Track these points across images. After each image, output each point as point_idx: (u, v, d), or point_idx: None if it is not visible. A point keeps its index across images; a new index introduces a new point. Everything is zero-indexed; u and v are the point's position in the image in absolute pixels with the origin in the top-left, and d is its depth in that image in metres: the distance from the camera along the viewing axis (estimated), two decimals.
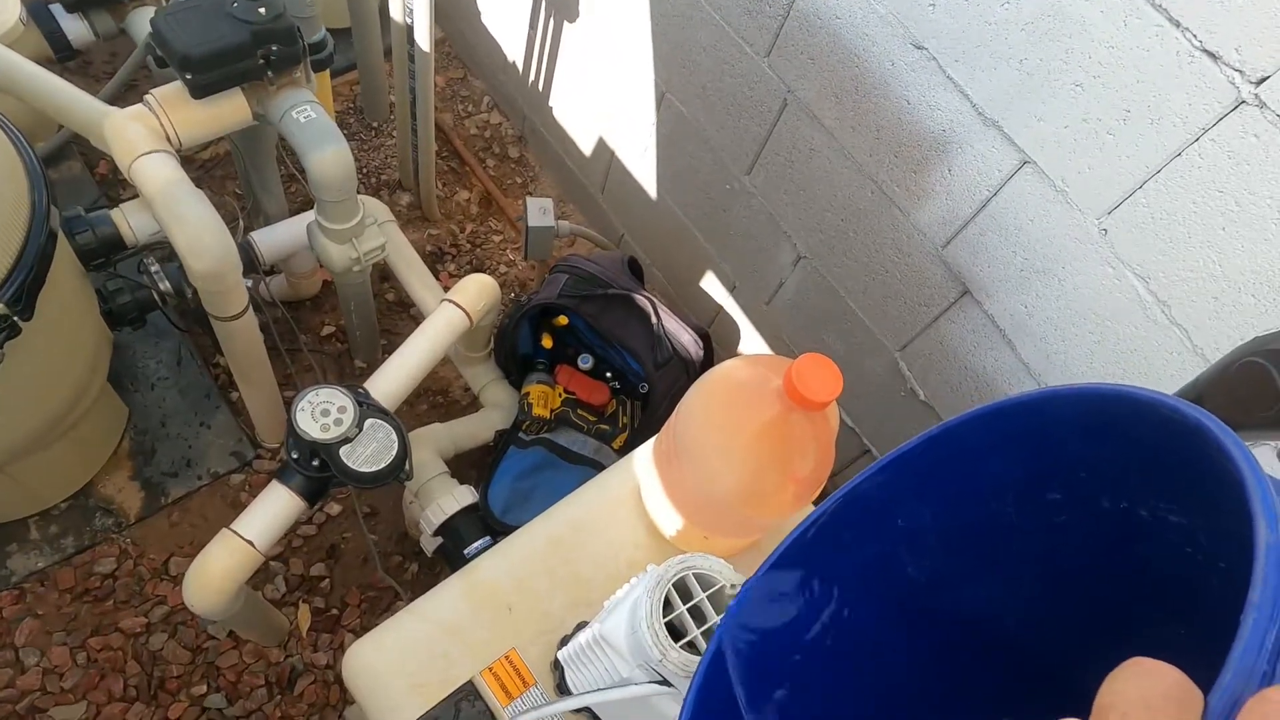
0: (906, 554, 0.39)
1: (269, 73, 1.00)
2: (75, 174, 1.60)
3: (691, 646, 0.48)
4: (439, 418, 1.51)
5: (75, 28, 1.36)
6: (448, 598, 0.74)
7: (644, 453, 0.81)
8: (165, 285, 1.21)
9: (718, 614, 0.48)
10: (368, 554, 1.38)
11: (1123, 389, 0.27)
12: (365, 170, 1.75)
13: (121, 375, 1.44)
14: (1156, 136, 0.76)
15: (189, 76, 0.95)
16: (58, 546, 1.30)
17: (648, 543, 0.79)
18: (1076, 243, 0.88)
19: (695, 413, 0.67)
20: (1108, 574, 0.33)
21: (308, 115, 1.03)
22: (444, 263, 1.69)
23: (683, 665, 0.46)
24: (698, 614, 0.50)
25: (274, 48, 0.98)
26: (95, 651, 1.24)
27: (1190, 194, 0.76)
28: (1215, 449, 0.24)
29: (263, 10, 0.96)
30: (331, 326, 1.57)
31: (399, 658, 0.72)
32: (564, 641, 0.71)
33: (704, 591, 0.49)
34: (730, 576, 0.49)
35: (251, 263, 1.36)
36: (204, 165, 1.69)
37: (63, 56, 1.38)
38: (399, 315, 1.62)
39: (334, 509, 1.42)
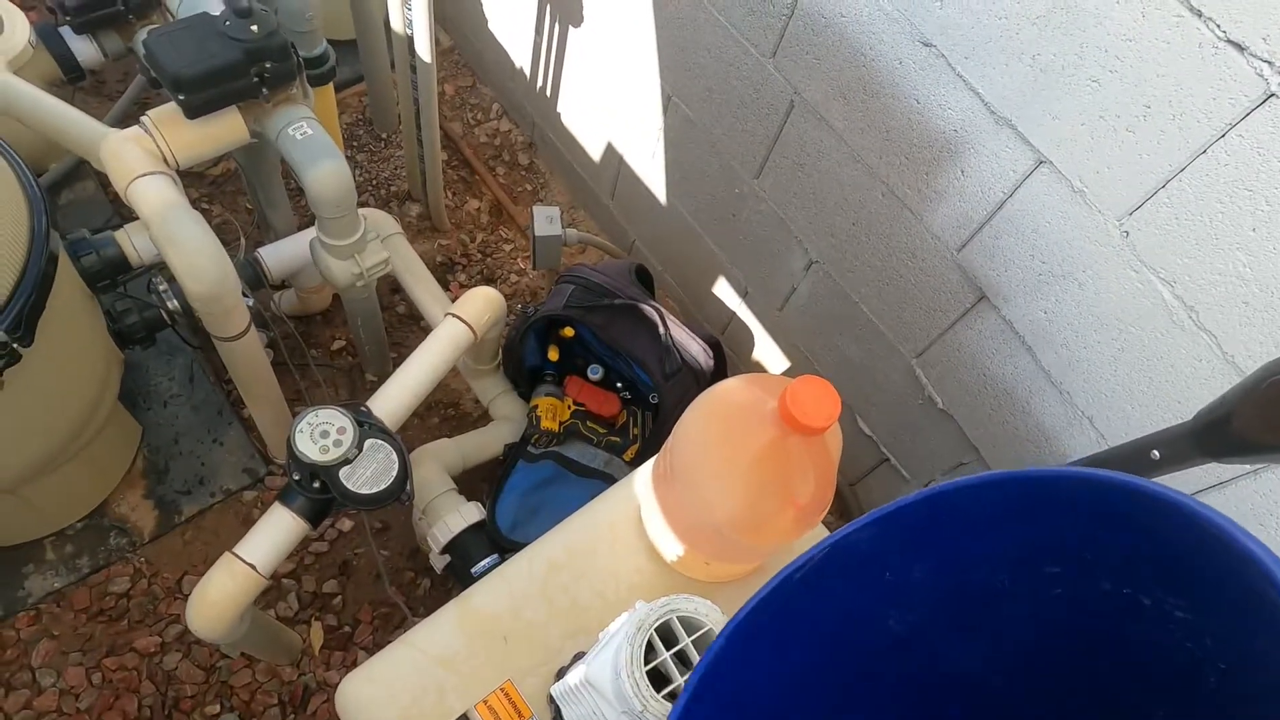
0: (891, 608, 0.36)
1: (264, 90, 0.99)
2: (89, 194, 1.61)
3: (675, 696, 0.45)
4: (450, 431, 1.49)
5: (84, 49, 1.36)
6: (441, 628, 0.72)
7: (644, 474, 0.79)
8: (174, 304, 1.20)
9: None
10: (378, 571, 1.37)
11: (1146, 485, 0.25)
12: (375, 182, 1.75)
13: (134, 393, 1.45)
14: (1179, 133, 0.72)
15: (182, 97, 0.94)
16: (73, 567, 1.31)
17: (649, 569, 0.76)
18: (1097, 245, 0.83)
19: (690, 437, 0.64)
20: (1098, 649, 0.31)
21: (304, 132, 1.02)
22: (454, 273, 1.68)
23: (664, 715, 0.43)
24: (684, 658, 0.47)
25: (268, 65, 0.97)
26: (110, 672, 1.24)
27: (1217, 193, 0.72)
28: (1255, 570, 0.22)
29: (255, 28, 0.95)
30: (342, 341, 1.57)
31: (393, 691, 0.70)
32: (561, 673, 0.68)
33: (689, 635, 0.46)
34: (717, 619, 0.47)
35: (259, 279, 1.36)
36: (215, 181, 1.70)
37: (73, 78, 1.38)
38: (410, 327, 1.61)
39: (345, 525, 1.41)
